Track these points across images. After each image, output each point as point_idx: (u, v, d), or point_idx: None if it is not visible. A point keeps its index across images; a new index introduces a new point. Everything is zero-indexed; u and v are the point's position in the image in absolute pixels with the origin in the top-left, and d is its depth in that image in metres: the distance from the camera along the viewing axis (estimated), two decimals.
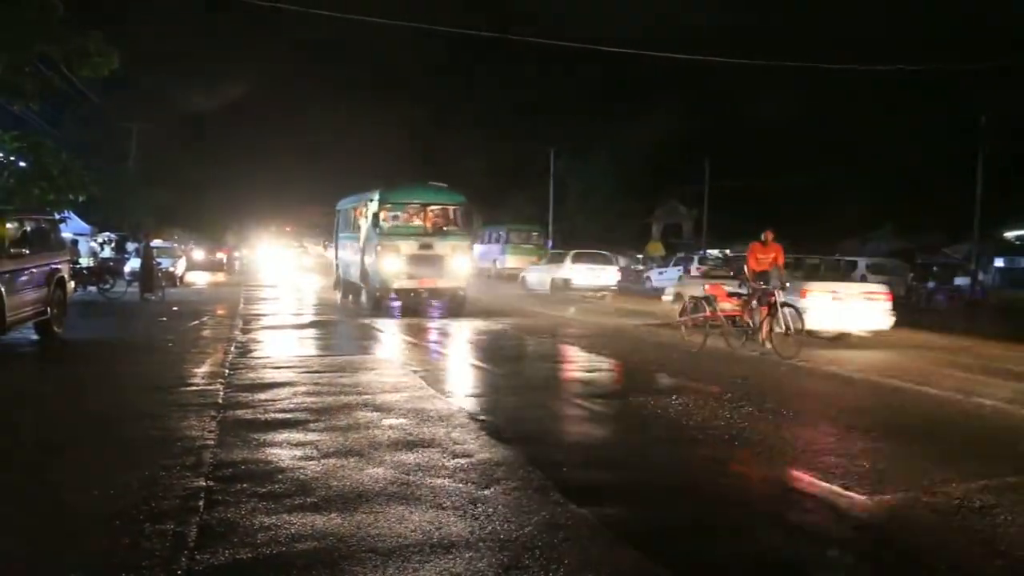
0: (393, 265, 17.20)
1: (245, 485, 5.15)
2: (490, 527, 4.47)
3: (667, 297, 18.41)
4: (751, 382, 9.69)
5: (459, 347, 13.13)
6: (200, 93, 46.62)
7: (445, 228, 18.37)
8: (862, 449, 6.54)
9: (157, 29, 48.10)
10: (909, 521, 4.90)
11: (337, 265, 22.62)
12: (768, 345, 12.15)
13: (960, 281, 26.52)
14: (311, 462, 5.72)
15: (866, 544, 4.59)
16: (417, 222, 18.37)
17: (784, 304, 12.31)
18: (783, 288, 12.53)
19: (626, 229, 48.38)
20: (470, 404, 8.02)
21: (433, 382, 9.19)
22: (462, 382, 9.89)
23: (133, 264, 25.19)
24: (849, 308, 13.51)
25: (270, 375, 9.48)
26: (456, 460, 5.83)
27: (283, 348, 12.22)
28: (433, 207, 18.50)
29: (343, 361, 10.84)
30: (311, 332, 14.59)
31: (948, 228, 37.27)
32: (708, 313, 13.07)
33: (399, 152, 56.99)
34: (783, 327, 12.11)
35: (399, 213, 18.70)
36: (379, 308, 18.06)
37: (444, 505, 4.82)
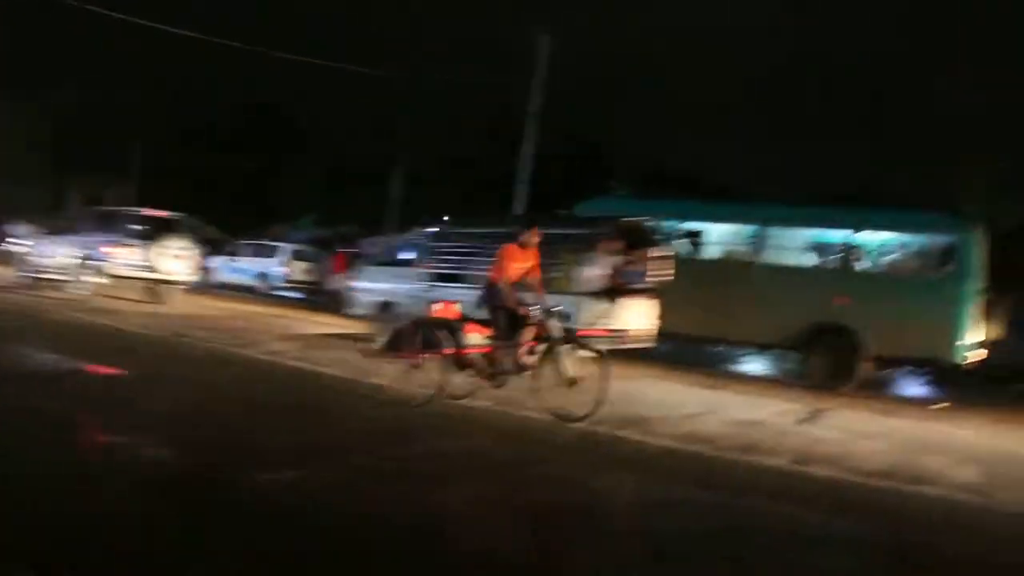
0: None
1: None
2: None
3: (360, 311, 13.48)
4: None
5: None
6: None
7: None
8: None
9: None
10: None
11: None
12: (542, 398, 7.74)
13: None
14: None
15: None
16: None
17: (569, 339, 7.96)
18: (557, 315, 7.99)
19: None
20: None
21: None
22: None
23: None
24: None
25: None
26: None
27: None
28: None
29: None
30: None
31: (365, 222, 41.38)
32: (451, 350, 8.04)
33: None
34: (560, 372, 7.71)
35: None
36: None
37: None
